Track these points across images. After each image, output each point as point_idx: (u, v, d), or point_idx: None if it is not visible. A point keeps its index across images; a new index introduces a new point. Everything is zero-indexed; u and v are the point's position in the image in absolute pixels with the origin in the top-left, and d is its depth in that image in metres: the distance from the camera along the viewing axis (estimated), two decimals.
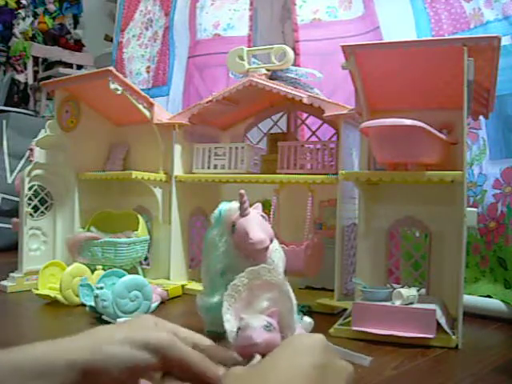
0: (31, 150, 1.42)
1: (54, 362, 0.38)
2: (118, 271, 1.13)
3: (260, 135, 1.51)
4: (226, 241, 0.73)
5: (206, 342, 0.47)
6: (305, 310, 1.13)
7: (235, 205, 0.72)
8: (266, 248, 0.70)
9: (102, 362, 0.39)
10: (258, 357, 0.45)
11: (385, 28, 1.44)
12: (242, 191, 0.70)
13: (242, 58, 1.29)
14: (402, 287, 1.02)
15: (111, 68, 1.36)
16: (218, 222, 0.75)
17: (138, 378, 0.42)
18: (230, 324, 0.58)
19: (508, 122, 1.21)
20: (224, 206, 0.75)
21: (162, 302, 1.22)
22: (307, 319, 0.69)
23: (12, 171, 2.26)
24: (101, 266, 1.26)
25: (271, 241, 0.72)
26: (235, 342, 0.49)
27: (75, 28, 3.40)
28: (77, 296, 1.17)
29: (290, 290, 0.61)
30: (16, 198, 2.02)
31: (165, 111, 1.48)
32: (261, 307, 0.55)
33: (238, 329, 0.51)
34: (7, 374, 0.36)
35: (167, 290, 1.26)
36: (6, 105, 3.07)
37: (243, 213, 0.70)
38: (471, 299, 1.16)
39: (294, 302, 0.60)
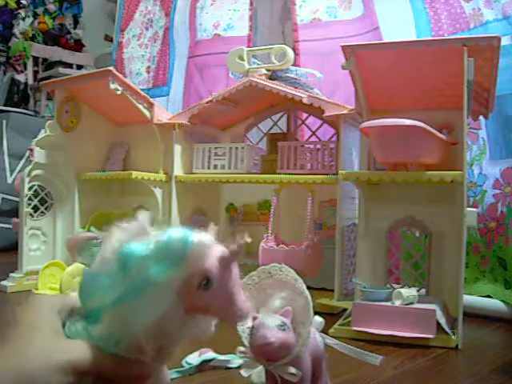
0: (31, 150, 1.42)
1: None
2: None
3: (260, 135, 1.51)
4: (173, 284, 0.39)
5: None
6: None
7: (207, 237, 0.39)
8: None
9: None
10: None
11: (384, 28, 1.45)
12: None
13: (241, 58, 1.29)
14: (402, 287, 1.02)
15: (111, 68, 1.36)
16: (174, 258, 0.38)
17: None
18: None
19: (508, 122, 1.21)
20: (186, 235, 0.38)
21: None
22: (318, 318, 0.68)
23: (12, 171, 2.26)
24: None
25: None
26: (250, 340, 0.49)
27: (75, 28, 3.40)
28: None
29: (304, 287, 0.61)
30: (16, 198, 2.02)
31: (165, 111, 1.48)
32: (274, 306, 0.55)
33: (252, 327, 0.51)
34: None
35: None
36: (5, 105, 3.07)
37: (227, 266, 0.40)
38: (471, 299, 1.16)
39: (309, 298, 0.60)
